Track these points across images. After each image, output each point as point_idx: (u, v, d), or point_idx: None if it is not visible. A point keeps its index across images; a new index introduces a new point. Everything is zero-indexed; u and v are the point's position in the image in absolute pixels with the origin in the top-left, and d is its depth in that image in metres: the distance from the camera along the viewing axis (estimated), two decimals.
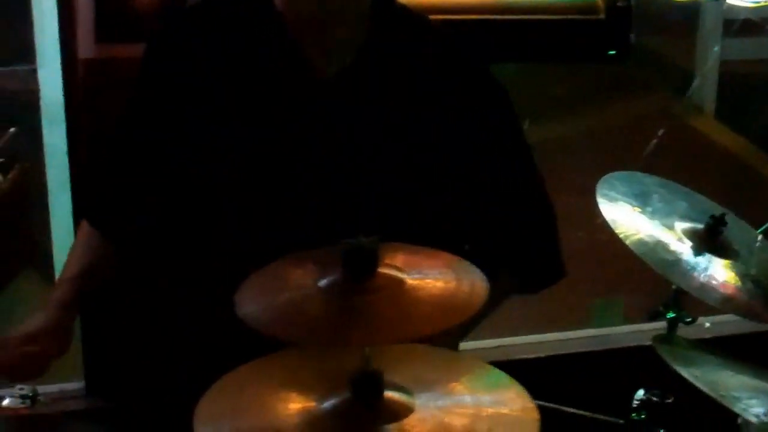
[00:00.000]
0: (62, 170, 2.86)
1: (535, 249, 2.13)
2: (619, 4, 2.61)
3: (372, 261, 1.48)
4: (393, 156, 1.95)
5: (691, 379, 2.18)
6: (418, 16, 2.06)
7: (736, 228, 2.42)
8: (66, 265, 2.10)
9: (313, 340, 1.50)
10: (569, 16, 2.66)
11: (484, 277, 1.53)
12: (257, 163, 1.95)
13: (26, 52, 3.65)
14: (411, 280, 1.50)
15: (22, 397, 2.02)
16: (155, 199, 2.05)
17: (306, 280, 1.51)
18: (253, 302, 1.51)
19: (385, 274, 1.49)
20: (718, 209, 2.39)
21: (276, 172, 1.95)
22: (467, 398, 1.52)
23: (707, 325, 2.55)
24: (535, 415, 1.46)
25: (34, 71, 3.71)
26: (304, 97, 1.93)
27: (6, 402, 1.97)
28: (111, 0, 2.45)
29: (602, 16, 2.66)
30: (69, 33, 2.47)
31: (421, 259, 1.56)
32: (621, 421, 2.39)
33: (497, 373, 1.59)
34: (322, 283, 1.50)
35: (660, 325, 2.39)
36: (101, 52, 2.48)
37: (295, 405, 1.50)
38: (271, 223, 1.97)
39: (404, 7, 2.03)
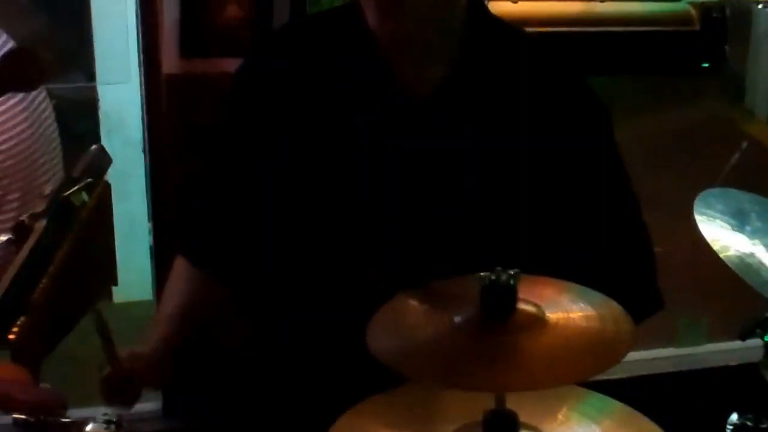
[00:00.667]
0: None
1: (632, 279, 2.00)
2: (714, 15, 2.52)
3: (511, 298, 1.40)
4: (488, 172, 1.86)
5: None
6: (513, 28, 1.99)
7: None
8: (164, 300, 2.04)
9: (449, 383, 1.42)
10: (663, 28, 2.59)
11: (627, 313, 1.44)
12: (353, 184, 1.88)
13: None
14: (552, 317, 1.41)
15: (107, 422, 1.96)
16: (252, 230, 1.97)
17: (440, 316, 1.43)
18: (386, 338, 1.44)
19: (524, 311, 1.40)
20: None
21: (372, 192, 1.87)
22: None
23: None
24: None
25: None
26: (398, 116, 1.85)
27: (89, 428, 1.92)
28: (196, 16, 2.39)
29: (697, 27, 2.58)
30: (153, 48, 2.42)
31: (558, 294, 1.47)
32: None
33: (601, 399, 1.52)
34: (458, 320, 1.42)
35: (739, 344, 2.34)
36: (186, 67, 2.41)
37: None
38: (366, 244, 1.89)
39: (498, 20, 1.95)
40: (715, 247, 2.23)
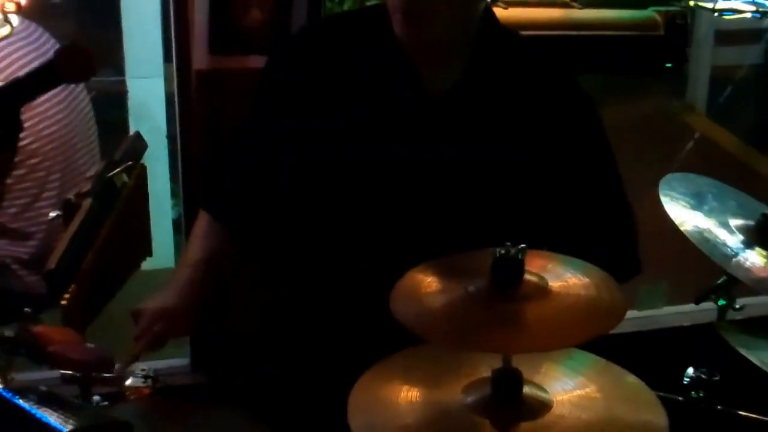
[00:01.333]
0: None
1: (619, 246, 1.98)
2: (678, 21, 2.50)
3: (519, 270, 1.36)
4: (495, 162, 1.83)
5: (755, 360, 2.14)
6: (512, 33, 1.95)
7: None
8: (188, 251, 2.01)
9: (463, 345, 1.38)
10: (632, 33, 2.57)
11: (619, 286, 1.40)
12: (370, 168, 1.84)
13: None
14: (554, 287, 1.37)
15: (144, 377, 1.93)
16: (270, 194, 1.94)
17: (455, 286, 1.40)
18: (408, 304, 1.40)
19: (530, 281, 1.37)
20: (764, 207, 2.31)
21: (387, 176, 1.84)
22: (596, 393, 1.41)
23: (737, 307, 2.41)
24: None
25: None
26: (417, 111, 1.82)
27: (129, 381, 1.88)
28: (223, 16, 2.32)
29: (662, 32, 2.55)
30: (185, 45, 2.36)
31: (559, 266, 1.44)
32: (680, 398, 2.27)
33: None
34: (471, 289, 1.38)
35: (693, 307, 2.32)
36: (214, 63, 2.35)
37: (438, 398, 1.40)
38: (377, 222, 1.86)
39: (502, 26, 1.91)
40: (677, 222, 2.20)
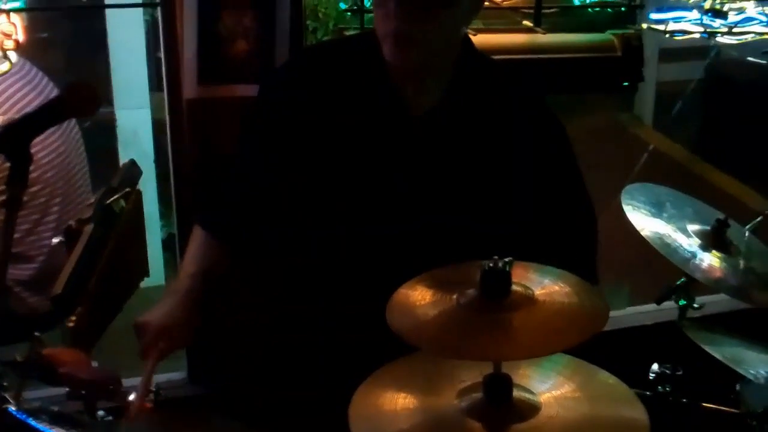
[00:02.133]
0: None
1: (577, 256, 1.95)
2: (633, 43, 2.53)
3: (507, 281, 1.36)
4: (472, 177, 1.84)
5: (716, 355, 2.16)
6: (488, 58, 1.96)
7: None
8: (185, 264, 1.97)
9: (455, 354, 1.37)
10: (592, 54, 2.59)
11: (601, 294, 1.40)
12: (354, 183, 1.83)
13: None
14: (540, 296, 1.37)
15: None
16: (264, 211, 1.92)
17: (446, 297, 1.39)
18: (403, 316, 1.39)
19: (517, 291, 1.36)
20: (718, 213, 2.33)
21: (370, 192, 1.83)
22: (578, 393, 1.41)
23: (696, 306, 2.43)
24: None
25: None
26: (400, 130, 1.82)
27: (132, 396, 1.85)
28: (211, 47, 2.32)
29: (619, 53, 2.58)
30: (175, 76, 2.35)
31: (542, 276, 1.43)
32: (648, 393, 2.28)
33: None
34: (462, 300, 1.37)
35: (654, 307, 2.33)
36: (203, 93, 2.35)
37: (434, 404, 1.38)
38: (362, 236, 1.84)
39: (478, 51, 1.91)
40: (639, 229, 2.21)
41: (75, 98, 1.47)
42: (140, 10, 3.79)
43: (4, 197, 2.47)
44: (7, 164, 2.15)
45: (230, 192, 1.96)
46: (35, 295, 2.66)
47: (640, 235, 2.21)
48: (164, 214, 4.08)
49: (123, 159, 3.84)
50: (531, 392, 1.40)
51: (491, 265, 1.35)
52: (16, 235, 2.54)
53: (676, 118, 5.68)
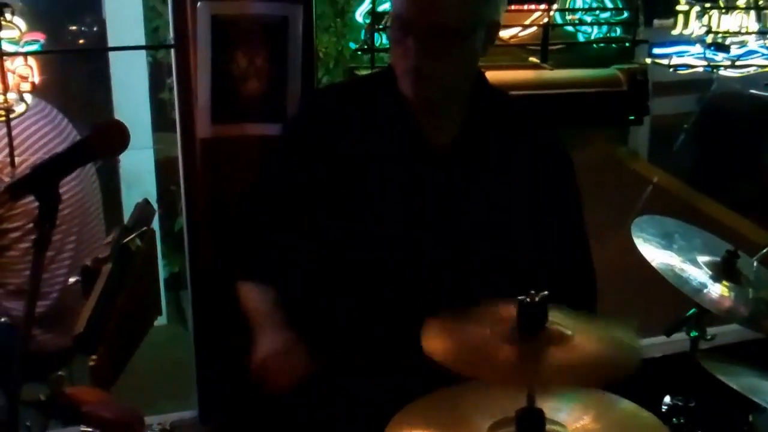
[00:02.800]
0: None
1: (575, 292, 1.93)
2: (639, 78, 2.57)
3: (542, 315, 1.38)
4: (489, 209, 1.87)
5: (733, 385, 2.16)
6: (502, 93, 2.00)
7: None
8: (255, 310, 1.91)
9: (492, 379, 1.40)
10: (598, 89, 2.63)
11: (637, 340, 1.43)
12: (376, 217, 1.85)
13: None
14: (577, 335, 1.39)
15: (161, 430, 1.90)
16: (293, 248, 1.92)
17: (482, 327, 1.41)
18: (439, 340, 1.42)
19: (553, 328, 1.39)
20: (725, 245, 2.34)
21: (392, 225, 1.86)
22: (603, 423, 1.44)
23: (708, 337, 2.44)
24: None
25: None
26: (420, 163, 1.85)
27: None
28: (224, 87, 2.33)
29: (625, 88, 2.62)
30: (188, 116, 2.36)
31: (583, 322, 1.45)
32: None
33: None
34: (498, 331, 1.40)
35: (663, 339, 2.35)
36: (216, 132, 2.36)
37: None
38: (383, 268, 1.86)
39: (492, 86, 1.96)
40: (650, 260, 2.22)
41: (102, 138, 1.48)
42: (143, 53, 3.83)
43: (18, 233, 2.52)
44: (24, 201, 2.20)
45: (260, 235, 1.95)
46: (46, 333, 2.66)
47: (644, 268, 2.23)
48: (166, 253, 4.10)
49: (126, 199, 3.88)
50: (561, 425, 1.41)
51: (528, 299, 1.37)
52: (28, 273, 2.57)
53: (672, 152, 5.72)
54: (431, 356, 1.37)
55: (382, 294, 1.85)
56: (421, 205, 1.85)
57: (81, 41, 4.01)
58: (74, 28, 4.03)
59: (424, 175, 1.85)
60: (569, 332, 1.39)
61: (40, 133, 2.52)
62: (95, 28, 3.94)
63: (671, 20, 3.18)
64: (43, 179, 1.46)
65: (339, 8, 4.45)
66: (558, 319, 1.40)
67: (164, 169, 4.09)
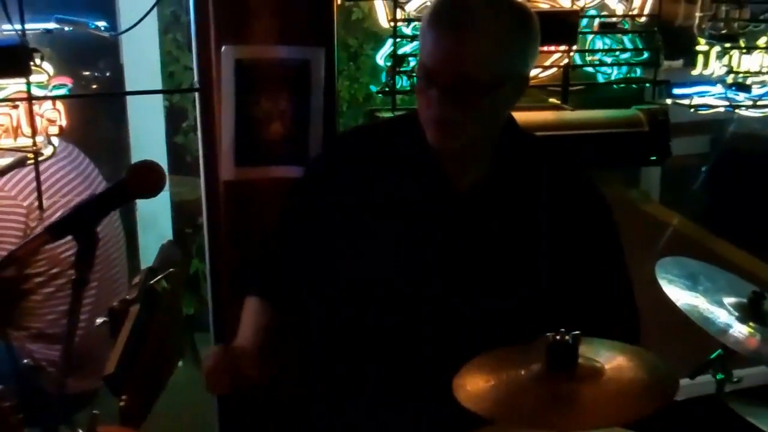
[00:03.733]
0: None
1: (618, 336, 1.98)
2: (660, 118, 2.59)
3: (573, 354, 1.38)
4: (515, 251, 1.84)
5: (764, 428, 2.18)
6: (531, 135, 1.98)
7: None
8: (241, 329, 1.96)
9: (524, 424, 1.38)
10: (619, 130, 2.65)
11: (674, 370, 1.43)
12: (401, 261, 1.84)
13: None
14: (608, 369, 1.39)
15: None
16: (313, 284, 1.93)
17: (513, 370, 1.41)
18: (471, 387, 1.42)
19: (584, 364, 1.39)
20: (750, 286, 2.33)
21: (416, 267, 1.85)
22: None
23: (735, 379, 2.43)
24: None
25: None
26: (444, 207, 1.85)
27: None
28: (248, 131, 2.36)
29: (646, 128, 2.64)
30: (212, 158, 2.39)
31: (616, 353, 1.46)
32: None
33: None
34: (529, 373, 1.40)
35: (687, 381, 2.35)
36: (240, 174, 2.39)
37: None
38: (406, 312, 1.85)
39: (521, 128, 1.94)
40: (675, 300, 2.21)
41: (140, 179, 1.51)
42: (159, 97, 3.87)
43: (42, 278, 2.54)
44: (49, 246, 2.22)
45: (277, 265, 1.97)
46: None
47: (663, 310, 2.23)
48: (182, 295, 4.10)
49: (143, 241, 3.89)
50: None
51: (557, 338, 1.38)
52: (50, 317, 2.60)
53: (685, 194, 5.71)
54: (461, 401, 1.37)
55: (405, 339, 1.85)
56: (446, 248, 1.84)
57: (94, 86, 4.06)
58: (92, 73, 4.07)
59: (448, 218, 1.84)
60: (600, 365, 1.39)
61: (68, 178, 2.55)
62: (113, 73, 3.98)
63: (680, 61, 3.21)
64: (82, 220, 1.48)
65: (352, 52, 4.50)
66: (588, 352, 1.40)
67: (179, 211, 4.12)
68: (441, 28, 1.70)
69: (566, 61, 2.82)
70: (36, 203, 2.45)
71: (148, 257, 3.48)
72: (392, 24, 2.58)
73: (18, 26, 2.19)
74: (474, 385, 1.41)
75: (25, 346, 2.58)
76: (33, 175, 2.44)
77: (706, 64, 3.04)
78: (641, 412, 1.36)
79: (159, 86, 3.83)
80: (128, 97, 3.74)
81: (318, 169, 1.99)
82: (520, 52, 1.75)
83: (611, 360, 1.43)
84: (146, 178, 1.51)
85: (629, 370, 1.41)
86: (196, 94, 2.40)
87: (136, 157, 3.87)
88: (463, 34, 1.67)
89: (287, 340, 1.97)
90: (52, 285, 2.57)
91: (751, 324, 2.25)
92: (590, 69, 2.95)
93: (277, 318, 1.95)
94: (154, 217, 3.95)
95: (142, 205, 3.91)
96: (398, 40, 2.60)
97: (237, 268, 2.38)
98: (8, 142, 2.36)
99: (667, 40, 2.95)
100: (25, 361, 2.54)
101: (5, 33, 2.33)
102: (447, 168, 1.83)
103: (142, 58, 3.71)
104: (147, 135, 3.82)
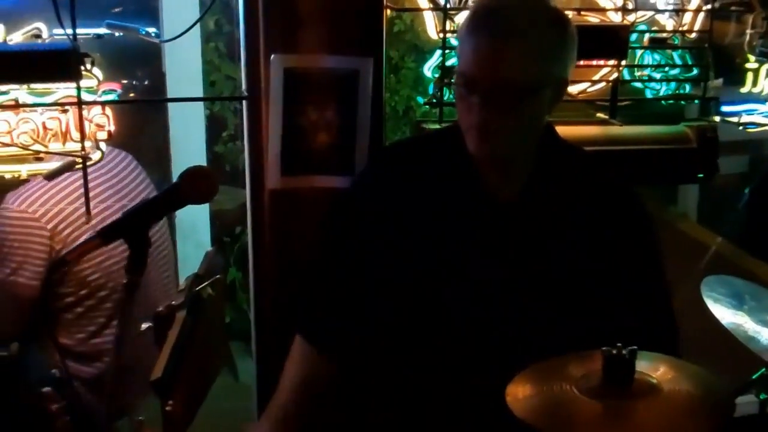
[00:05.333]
0: None
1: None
2: (708, 135, 2.57)
3: (630, 369, 1.37)
4: (555, 263, 1.83)
5: None
6: (574, 147, 1.97)
7: None
8: (283, 377, 1.96)
9: None
10: (667, 146, 2.64)
11: (730, 387, 1.41)
12: (444, 274, 1.84)
13: None
14: (666, 386, 1.37)
15: None
16: (359, 313, 1.91)
17: (568, 384, 1.40)
18: (524, 397, 1.41)
19: (641, 380, 1.37)
20: None
21: (458, 280, 1.84)
22: None
23: None
24: None
25: None
26: (487, 218, 1.84)
27: None
28: (294, 140, 2.36)
29: (694, 145, 2.62)
30: (258, 167, 2.39)
31: (671, 369, 1.44)
32: None
33: None
34: (583, 386, 1.38)
35: None
36: (285, 184, 2.38)
37: None
38: (453, 328, 1.84)
39: (563, 140, 1.94)
40: (720, 318, 2.21)
41: (193, 184, 1.51)
42: (201, 105, 3.89)
43: (72, 299, 2.53)
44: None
45: (321, 296, 1.96)
46: (90, 393, 2.68)
47: (702, 330, 2.22)
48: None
49: (181, 250, 3.90)
50: None
51: (614, 352, 1.36)
52: (80, 335, 2.61)
53: (723, 214, 5.66)
54: (514, 411, 1.36)
55: (449, 353, 1.84)
56: (488, 260, 1.83)
57: (133, 94, 4.09)
58: (134, 80, 4.11)
59: (489, 229, 1.84)
60: (656, 381, 1.37)
61: (100, 189, 2.55)
62: (155, 81, 4.01)
63: (720, 80, 3.18)
64: (134, 225, 1.49)
65: (393, 64, 4.51)
66: (643, 368, 1.39)
67: (218, 220, 4.13)
68: (479, 34, 1.71)
69: (615, 75, 2.80)
70: (60, 225, 2.46)
71: (186, 265, 3.50)
72: (441, 35, 2.57)
73: (69, 31, 2.20)
74: (527, 396, 1.39)
75: (55, 358, 2.59)
76: (56, 196, 2.45)
77: (755, 82, 3.01)
78: (698, 431, 1.33)
79: (200, 95, 3.85)
80: (170, 105, 3.76)
81: (361, 183, 1.99)
82: (558, 56, 1.76)
83: (666, 375, 1.40)
84: (199, 184, 1.52)
85: (685, 387, 1.38)
86: (244, 103, 2.41)
87: (176, 165, 3.88)
88: (501, 40, 1.69)
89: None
90: (82, 306, 2.58)
91: None
92: (639, 84, 2.94)
93: (318, 366, 1.94)
94: (193, 226, 3.97)
95: (181, 213, 3.92)
96: (447, 51, 2.60)
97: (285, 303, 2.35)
98: (57, 147, 2.38)
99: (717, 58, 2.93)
100: (54, 371, 2.55)
101: (57, 37, 2.35)
102: (488, 178, 1.83)
103: (184, 67, 3.72)
104: (188, 143, 3.84)
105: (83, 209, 2.51)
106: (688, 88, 2.94)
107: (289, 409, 1.92)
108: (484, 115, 1.71)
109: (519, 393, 1.41)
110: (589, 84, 2.85)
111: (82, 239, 2.51)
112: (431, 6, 2.70)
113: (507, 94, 1.69)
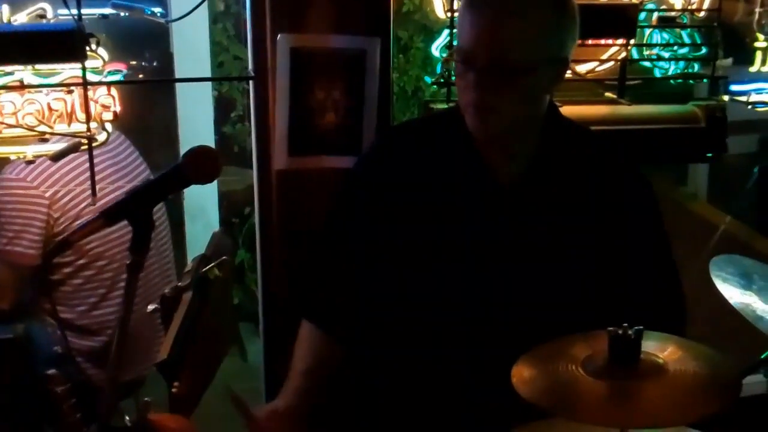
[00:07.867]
0: None
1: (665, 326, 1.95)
2: (717, 114, 2.55)
3: (636, 349, 1.35)
4: (561, 245, 1.82)
5: None
6: (575, 124, 1.95)
7: None
8: (295, 360, 1.92)
9: (582, 419, 1.35)
10: (675, 125, 2.62)
11: (737, 367, 1.40)
12: (445, 254, 1.83)
13: None
14: (672, 366, 1.36)
15: None
16: (363, 291, 1.90)
17: (573, 363, 1.38)
18: (530, 378, 1.40)
19: (647, 360, 1.36)
20: None
21: (461, 261, 1.83)
22: None
23: None
24: None
25: None
26: (489, 199, 1.83)
27: None
28: (302, 121, 2.35)
29: (703, 124, 2.60)
30: (265, 147, 2.38)
31: (678, 349, 1.42)
32: None
33: None
34: (590, 366, 1.37)
35: None
36: (292, 164, 2.37)
37: None
38: (456, 309, 1.83)
39: (567, 120, 1.92)
40: (728, 298, 2.20)
41: (197, 164, 1.50)
42: (209, 86, 3.87)
43: (70, 269, 2.53)
44: None
45: (328, 278, 1.95)
46: (94, 368, 2.68)
47: (710, 308, 2.21)
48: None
49: (189, 231, 3.90)
50: None
51: (620, 332, 1.35)
52: (81, 308, 2.61)
53: (732, 193, 5.64)
54: (520, 392, 1.35)
55: (453, 335, 1.83)
56: (491, 241, 1.82)
57: (142, 75, 4.07)
58: (142, 61, 4.09)
59: (491, 210, 1.83)
60: (663, 361, 1.36)
61: (101, 167, 2.55)
62: (162, 62, 4.00)
63: (730, 60, 3.16)
64: (138, 205, 1.48)
65: (402, 44, 4.49)
66: (649, 348, 1.37)
67: (226, 201, 4.12)
68: (477, 10, 1.69)
69: (624, 55, 2.78)
70: (58, 194, 2.46)
71: (195, 246, 3.50)
72: (449, 14, 2.55)
73: (74, 11, 2.19)
74: (532, 376, 1.38)
75: (57, 334, 2.59)
76: (54, 166, 2.46)
77: (764, 61, 2.98)
78: (705, 411, 1.33)
79: (208, 76, 3.83)
80: (178, 86, 3.75)
81: (366, 163, 1.97)
82: (558, 34, 1.74)
83: (672, 355, 1.39)
84: (203, 164, 1.50)
85: (692, 367, 1.37)
86: (250, 83, 2.39)
87: (184, 146, 3.88)
88: (499, 16, 1.67)
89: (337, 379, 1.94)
90: (80, 276, 2.58)
91: None
92: (647, 63, 2.91)
93: (330, 350, 1.93)
94: (202, 207, 3.96)
95: (189, 194, 3.92)
96: (454, 30, 2.57)
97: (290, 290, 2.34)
98: (62, 127, 2.37)
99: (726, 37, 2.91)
100: (55, 348, 2.55)
101: (61, 17, 2.34)
102: (489, 158, 1.82)
103: (191, 48, 3.71)
104: (196, 124, 3.83)
105: (81, 179, 2.51)
106: (696, 67, 2.91)
107: (303, 393, 1.89)
108: (482, 92, 1.70)
109: (524, 373, 1.39)
110: (597, 63, 2.83)
111: (83, 213, 2.52)
112: None
113: (504, 71, 1.67)
